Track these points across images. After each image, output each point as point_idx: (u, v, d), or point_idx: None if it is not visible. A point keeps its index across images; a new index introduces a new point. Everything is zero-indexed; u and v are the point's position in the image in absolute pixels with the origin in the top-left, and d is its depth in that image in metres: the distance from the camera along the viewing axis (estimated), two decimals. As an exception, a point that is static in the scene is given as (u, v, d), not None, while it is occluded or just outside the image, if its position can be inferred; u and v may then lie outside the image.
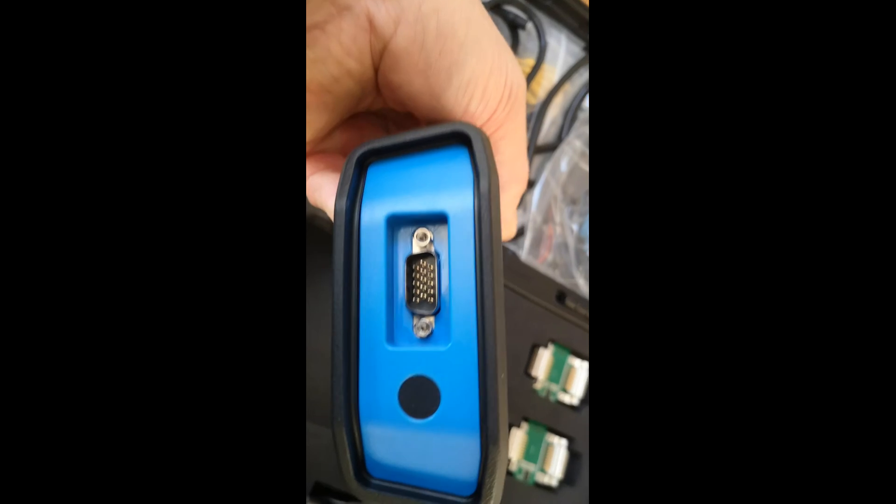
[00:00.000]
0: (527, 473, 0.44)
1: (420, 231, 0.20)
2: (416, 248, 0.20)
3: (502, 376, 0.18)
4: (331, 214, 0.23)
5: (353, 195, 0.21)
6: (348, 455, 0.19)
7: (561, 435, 0.45)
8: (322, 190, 0.23)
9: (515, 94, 0.22)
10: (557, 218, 0.49)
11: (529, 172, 0.51)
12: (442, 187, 0.19)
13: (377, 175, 0.21)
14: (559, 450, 0.45)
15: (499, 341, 0.18)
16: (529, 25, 0.49)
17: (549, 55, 0.50)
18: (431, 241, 0.20)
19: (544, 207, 0.49)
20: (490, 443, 0.18)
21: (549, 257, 0.49)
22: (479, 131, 0.19)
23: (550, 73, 0.51)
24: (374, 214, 0.20)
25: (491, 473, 0.18)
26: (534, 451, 0.44)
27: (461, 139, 0.20)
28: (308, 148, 0.24)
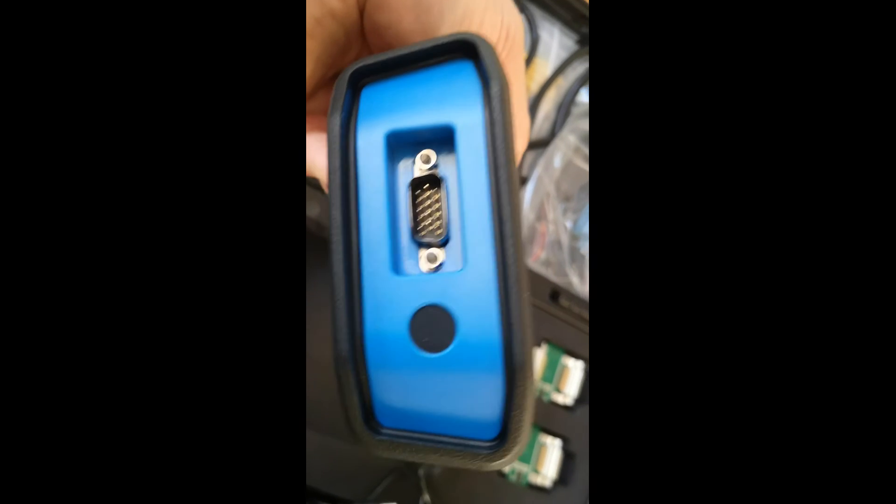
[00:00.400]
0: (519, 474, 0.43)
1: (424, 153, 0.18)
2: (420, 173, 0.18)
3: (526, 296, 0.16)
4: (320, 174, 0.21)
5: (347, 113, 0.18)
6: (356, 399, 0.17)
7: (554, 435, 0.45)
8: (308, 150, 0.22)
9: (513, 36, 0.21)
10: (551, 215, 0.48)
11: (522, 168, 0.50)
12: (446, 101, 0.18)
13: (373, 96, 0.19)
14: (552, 450, 0.44)
15: (520, 256, 0.16)
16: (521, 18, 0.48)
17: (541, 49, 0.49)
18: (436, 166, 0.18)
19: (537, 204, 0.48)
20: (516, 370, 0.15)
21: (543, 255, 0.48)
22: (485, 39, 0.18)
23: (543, 67, 0.50)
24: (371, 134, 0.18)
25: (518, 407, 0.16)
26: (526, 452, 0.43)
27: (465, 50, 0.18)
28: None
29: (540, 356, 0.44)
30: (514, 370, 0.16)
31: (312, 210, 0.38)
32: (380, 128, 0.18)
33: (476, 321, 0.16)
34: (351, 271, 0.17)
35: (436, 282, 0.17)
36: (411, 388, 0.17)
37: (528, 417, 0.16)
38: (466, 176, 0.17)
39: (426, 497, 0.39)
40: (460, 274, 0.16)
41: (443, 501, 0.40)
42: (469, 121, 0.17)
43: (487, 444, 0.17)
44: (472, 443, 0.17)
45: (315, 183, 0.38)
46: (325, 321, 0.17)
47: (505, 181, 0.16)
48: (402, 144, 0.18)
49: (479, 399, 0.16)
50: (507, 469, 0.43)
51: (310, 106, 0.23)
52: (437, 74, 0.18)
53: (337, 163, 0.18)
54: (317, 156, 0.21)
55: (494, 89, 0.17)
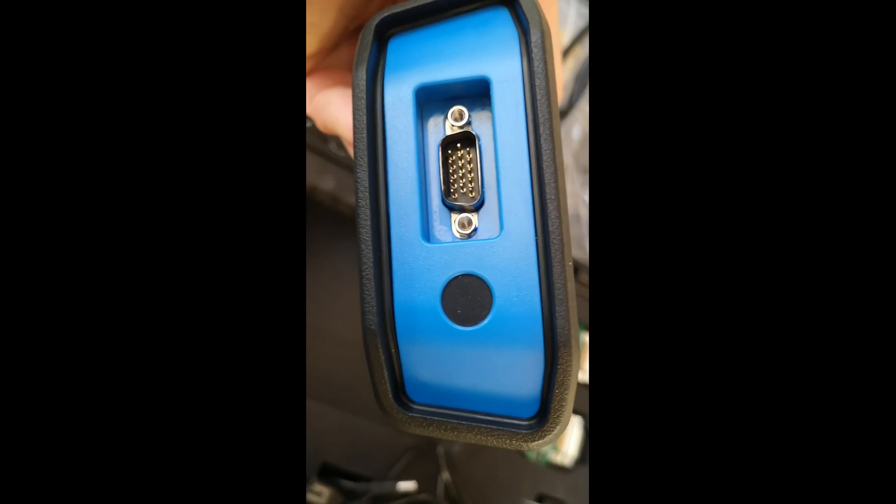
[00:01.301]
0: (539, 453, 0.43)
1: (455, 109, 0.17)
2: (452, 131, 0.17)
3: (569, 265, 0.15)
4: (343, 131, 0.20)
5: (373, 66, 0.17)
6: (385, 374, 0.16)
7: (575, 412, 0.44)
8: (330, 106, 0.20)
9: None
10: (569, 188, 0.47)
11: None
12: (481, 51, 0.16)
13: (400, 48, 0.18)
14: (573, 429, 0.43)
15: (563, 221, 0.15)
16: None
17: (558, 17, 0.48)
18: (469, 123, 0.17)
19: (555, 178, 0.47)
20: (559, 346, 0.15)
21: (561, 229, 0.47)
22: None
23: (560, 36, 0.48)
24: (399, 88, 0.17)
25: (561, 384, 0.15)
26: (547, 430, 0.43)
27: None
28: (312, 63, 0.21)
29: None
30: (556, 346, 0.15)
31: (327, 183, 0.37)
32: (408, 82, 0.17)
33: (514, 292, 0.15)
34: (379, 239, 0.16)
35: (470, 249, 0.16)
36: (444, 362, 0.16)
37: (570, 396, 0.15)
38: (503, 133, 0.16)
39: (445, 474, 0.39)
40: (497, 241, 0.15)
41: (462, 479, 0.40)
42: (506, 72, 0.16)
43: (526, 422, 0.16)
44: (509, 421, 0.16)
45: (330, 155, 0.37)
46: (343, 295, 0.16)
47: (547, 138, 0.15)
48: (432, 100, 0.17)
49: (518, 375, 0.16)
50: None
51: (332, 60, 0.22)
52: (471, 23, 0.17)
53: (363, 121, 0.17)
54: (341, 112, 0.20)
55: (534, 37, 0.16)
